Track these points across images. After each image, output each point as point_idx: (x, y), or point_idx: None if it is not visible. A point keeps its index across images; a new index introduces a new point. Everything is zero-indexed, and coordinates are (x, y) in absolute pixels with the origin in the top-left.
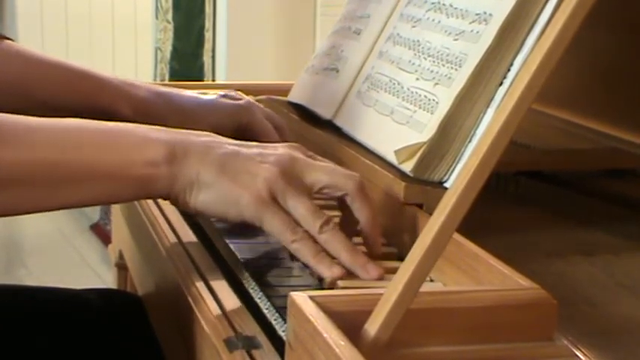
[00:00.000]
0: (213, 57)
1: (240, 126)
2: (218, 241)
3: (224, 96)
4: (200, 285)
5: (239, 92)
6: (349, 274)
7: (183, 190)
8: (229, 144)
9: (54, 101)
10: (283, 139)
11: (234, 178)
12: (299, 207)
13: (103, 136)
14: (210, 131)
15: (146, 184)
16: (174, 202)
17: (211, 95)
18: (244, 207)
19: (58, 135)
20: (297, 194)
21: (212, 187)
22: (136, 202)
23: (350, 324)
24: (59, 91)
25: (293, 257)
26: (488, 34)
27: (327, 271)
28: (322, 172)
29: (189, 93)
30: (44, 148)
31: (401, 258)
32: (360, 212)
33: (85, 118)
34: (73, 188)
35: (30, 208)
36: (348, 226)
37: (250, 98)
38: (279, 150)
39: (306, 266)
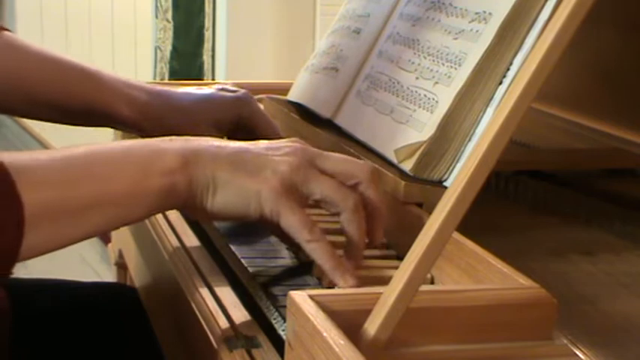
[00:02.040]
0: (213, 56)
1: (240, 118)
2: (218, 241)
3: (222, 89)
4: (200, 284)
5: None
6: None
7: (200, 194)
8: (236, 143)
9: (48, 99)
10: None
11: (250, 174)
12: (324, 188)
13: (115, 158)
14: (211, 125)
15: (166, 193)
16: (192, 209)
17: (209, 89)
18: (264, 200)
19: (71, 167)
20: (319, 177)
21: (229, 185)
22: None
23: (350, 323)
24: (55, 89)
25: (296, 255)
26: (488, 33)
27: (341, 280)
28: (326, 186)
29: (188, 89)
30: (62, 183)
31: (400, 257)
32: (351, 233)
33: (80, 116)
34: (97, 216)
35: (59, 244)
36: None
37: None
38: (287, 143)
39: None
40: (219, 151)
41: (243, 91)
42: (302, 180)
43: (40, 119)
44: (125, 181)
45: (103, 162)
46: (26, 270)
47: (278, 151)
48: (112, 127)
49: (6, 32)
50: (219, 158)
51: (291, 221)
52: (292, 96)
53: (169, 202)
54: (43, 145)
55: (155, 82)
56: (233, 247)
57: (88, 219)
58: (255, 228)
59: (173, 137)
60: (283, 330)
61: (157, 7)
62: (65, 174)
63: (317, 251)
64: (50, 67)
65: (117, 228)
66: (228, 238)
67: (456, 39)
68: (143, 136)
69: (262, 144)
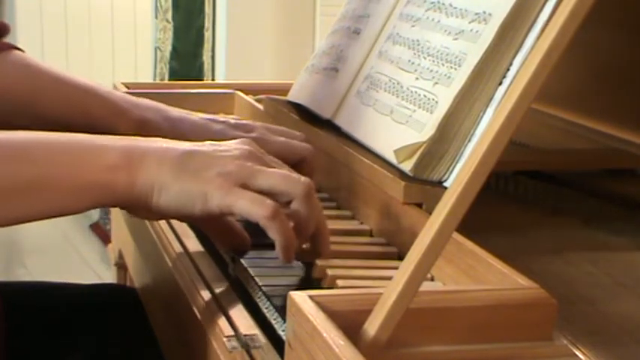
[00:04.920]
0: (213, 56)
1: None
2: None
3: (234, 126)
4: (200, 284)
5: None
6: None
7: (144, 195)
8: (184, 145)
9: (54, 115)
10: (306, 153)
11: (195, 175)
12: (270, 180)
13: (60, 147)
14: None
15: (105, 190)
16: (135, 208)
17: (218, 123)
18: (211, 199)
19: (16, 148)
20: (264, 171)
21: (174, 187)
22: None
23: (349, 323)
24: (61, 105)
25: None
26: (488, 33)
27: (284, 259)
28: (273, 178)
29: (193, 115)
30: (3, 161)
31: (400, 257)
32: (307, 218)
33: (83, 132)
34: (30, 199)
35: None
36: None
37: (262, 125)
38: (237, 145)
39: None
40: (165, 154)
41: (259, 129)
42: (248, 175)
43: None
44: (66, 172)
45: (48, 150)
46: (26, 270)
47: (226, 152)
48: None
49: (17, 52)
50: (165, 160)
51: (242, 205)
52: (292, 96)
53: (108, 199)
54: None
55: (156, 83)
56: None
57: (22, 202)
58: (255, 229)
59: (122, 137)
60: (283, 330)
61: (156, 7)
62: (9, 154)
63: (271, 228)
64: (57, 84)
65: (53, 217)
66: None
67: (455, 39)
68: None
69: (211, 145)
